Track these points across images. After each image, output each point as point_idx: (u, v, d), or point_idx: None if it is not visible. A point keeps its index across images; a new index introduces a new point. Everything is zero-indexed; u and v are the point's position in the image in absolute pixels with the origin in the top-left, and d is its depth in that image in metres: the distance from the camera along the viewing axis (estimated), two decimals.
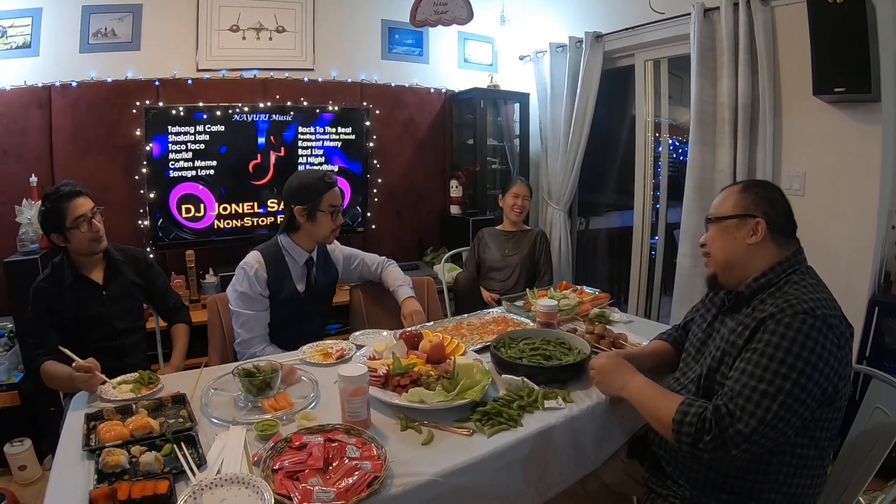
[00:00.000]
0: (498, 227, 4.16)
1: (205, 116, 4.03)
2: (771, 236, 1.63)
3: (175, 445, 1.52)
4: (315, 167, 2.80)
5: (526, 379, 1.87)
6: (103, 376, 1.98)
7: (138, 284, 2.70)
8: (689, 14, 3.55)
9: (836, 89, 2.85)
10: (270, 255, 2.61)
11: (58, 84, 3.89)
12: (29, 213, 3.46)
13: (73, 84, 3.93)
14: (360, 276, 3.03)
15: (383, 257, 3.06)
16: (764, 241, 1.63)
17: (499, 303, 3.15)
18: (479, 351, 2.21)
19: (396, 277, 2.97)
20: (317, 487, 1.31)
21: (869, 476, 1.68)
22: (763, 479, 1.52)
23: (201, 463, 1.47)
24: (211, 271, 4.22)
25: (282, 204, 4.28)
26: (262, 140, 4.26)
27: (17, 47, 3.81)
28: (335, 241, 2.88)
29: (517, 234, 4.08)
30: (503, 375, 1.92)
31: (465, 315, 2.78)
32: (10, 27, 3.78)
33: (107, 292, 2.55)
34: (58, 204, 2.39)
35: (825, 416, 1.48)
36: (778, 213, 1.66)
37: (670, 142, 4.56)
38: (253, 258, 2.57)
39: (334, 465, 1.40)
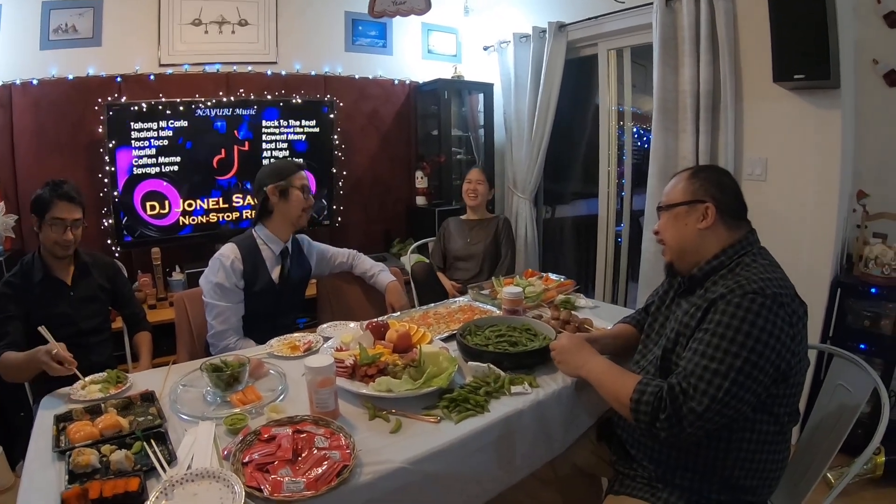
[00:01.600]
0: (462, 217, 4.20)
1: (168, 112, 4.00)
2: (721, 220, 1.67)
3: (145, 443, 1.53)
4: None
5: (492, 365, 1.90)
6: (78, 371, 1.98)
7: (105, 288, 2.72)
8: (652, 3, 3.60)
9: (795, 76, 2.90)
10: (246, 246, 2.62)
11: (18, 82, 3.84)
12: None
13: (34, 82, 3.87)
14: (331, 270, 3.05)
15: (353, 250, 3.10)
16: (714, 225, 1.67)
17: (461, 292, 3.18)
18: (445, 339, 2.24)
19: (372, 264, 3.03)
20: (286, 478, 1.33)
21: (833, 452, 1.72)
22: (724, 456, 1.56)
23: (171, 459, 1.48)
24: (177, 268, 4.18)
25: (250, 198, 4.29)
26: (225, 135, 4.25)
27: None
28: (307, 238, 2.92)
29: (481, 222, 4.10)
30: (469, 363, 1.95)
31: (432, 304, 2.80)
32: None
33: (74, 293, 2.58)
34: (49, 196, 2.45)
35: (781, 392, 1.52)
36: (726, 196, 1.70)
37: (634, 130, 4.62)
38: (229, 250, 2.58)
39: (303, 455, 1.42)
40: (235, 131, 4.27)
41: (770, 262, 1.63)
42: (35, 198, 2.48)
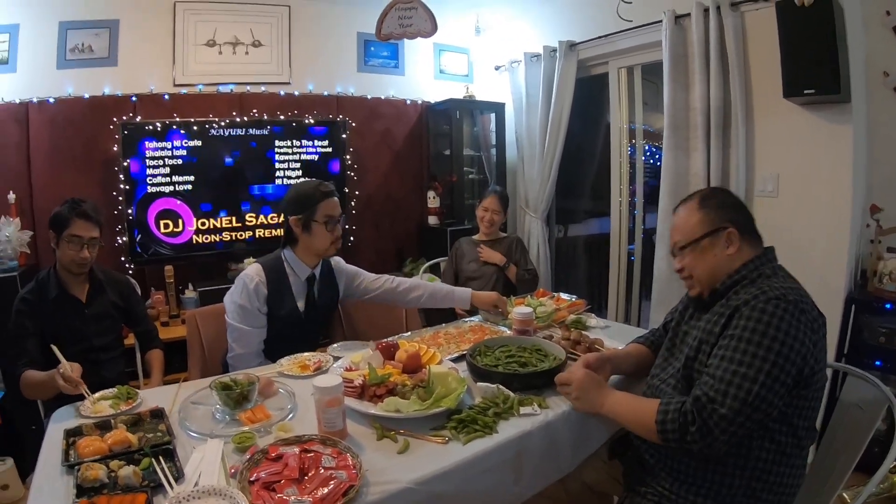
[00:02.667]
0: (475, 237, 4.14)
1: (182, 131, 4.05)
2: (743, 238, 1.69)
3: (153, 459, 1.53)
4: (307, 179, 2.75)
5: (501, 386, 1.89)
6: (86, 390, 2.00)
7: (119, 306, 2.74)
8: (661, 21, 3.62)
9: (805, 91, 2.90)
10: (272, 268, 2.55)
11: (35, 100, 3.90)
12: (7, 230, 3.45)
13: (51, 100, 3.93)
14: (361, 294, 2.91)
15: (390, 276, 2.96)
16: (740, 246, 1.68)
17: (469, 312, 3.15)
18: (455, 360, 2.23)
19: (441, 285, 3.00)
20: (293, 497, 1.32)
21: (848, 471, 1.70)
22: (743, 466, 1.55)
23: (179, 476, 1.48)
24: (190, 286, 4.20)
25: (263, 217, 4.30)
26: (238, 155, 4.28)
27: None
28: (339, 259, 2.84)
29: (493, 242, 4.04)
30: (479, 383, 1.95)
31: (443, 325, 2.79)
32: None
33: (88, 310, 2.61)
34: (68, 213, 2.49)
35: (800, 403, 1.51)
36: (741, 215, 1.72)
37: (646, 147, 4.61)
38: (254, 271, 2.51)
39: (310, 475, 1.42)
40: (248, 151, 4.31)
41: (787, 275, 1.67)
42: (54, 215, 2.52)
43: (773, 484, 1.56)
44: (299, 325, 2.63)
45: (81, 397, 1.99)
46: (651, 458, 1.75)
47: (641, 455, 1.80)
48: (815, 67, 2.82)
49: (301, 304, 2.62)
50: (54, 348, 2.13)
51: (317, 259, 2.63)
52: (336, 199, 2.58)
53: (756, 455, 1.54)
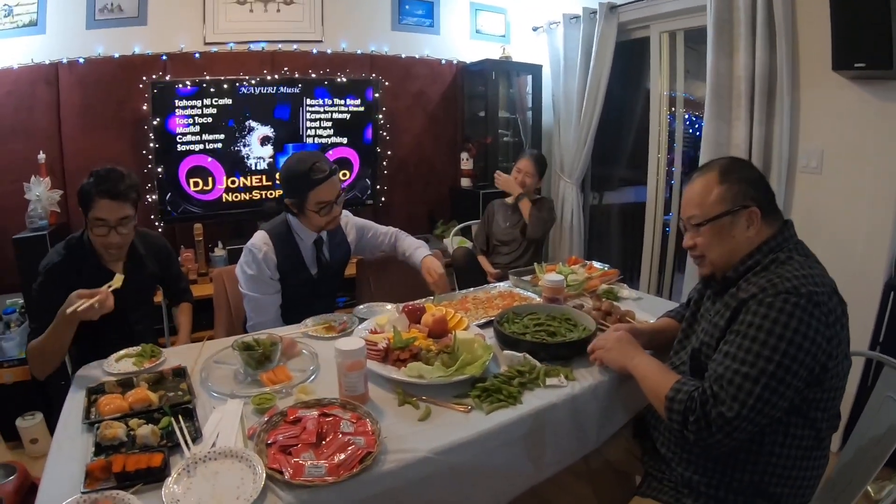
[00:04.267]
0: (507, 199, 4.08)
1: (212, 90, 4.02)
2: (764, 219, 1.56)
3: (172, 419, 1.52)
4: (309, 152, 2.60)
5: (528, 355, 1.84)
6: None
7: (156, 274, 2.59)
8: None
9: (856, 65, 2.75)
10: (278, 235, 2.52)
11: (65, 61, 3.89)
12: (37, 189, 3.48)
13: (81, 61, 3.92)
14: (372, 248, 2.93)
15: (395, 228, 2.96)
16: (761, 227, 1.56)
17: (499, 278, 3.11)
18: (482, 326, 2.18)
19: (411, 243, 2.86)
20: (309, 462, 1.31)
21: (879, 465, 1.63)
22: (756, 460, 1.49)
23: (197, 436, 1.47)
24: (220, 244, 4.23)
25: None
26: (270, 113, 4.25)
27: (24, 25, 3.81)
28: (347, 213, 2.80)
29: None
30: (505, 351, 1.90)
31: (472, 289, 2.75)
32: (16, 5, 3.78)
33: (125, 285, 2.19)
34: (92, 191, 2.17)
35: (817, 397, 1.43)
36: (762, 192, 1.59)
37: (686, 116, 4.49)
38: (260, 240, 2.48)
39: (328, 439, 1.40)
40: (280, 109, 4.27)
41: (806, 256, 1.53)
42: (79, 190, 2.21)
43: (789, 478, 1.49)
44: (313, 286, 2.63)
45: (106, 353, 1.99)
46: (663, 447, 1.70)
47: (656, 445, 1.75)
48: (867, 40, 2.67)
49: (313, 267, 2.62)
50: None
51: (318, 230, 2.59)
52: (332, 180, 2.46)
53: (769, 450, 1.47)
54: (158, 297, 2.93)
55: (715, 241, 1.60)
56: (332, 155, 4.44)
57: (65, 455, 1.44)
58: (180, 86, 3.95)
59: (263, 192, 4.33)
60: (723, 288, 1.62)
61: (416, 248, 2.82)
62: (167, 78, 4.03)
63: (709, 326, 1.59)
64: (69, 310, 1.85)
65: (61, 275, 2.18)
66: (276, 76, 4.32)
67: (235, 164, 4.22)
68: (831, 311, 1.39)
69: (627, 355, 1.73)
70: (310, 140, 4.40)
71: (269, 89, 4.20)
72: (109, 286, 1.96)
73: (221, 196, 4.20)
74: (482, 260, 4.06)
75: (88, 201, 2.17)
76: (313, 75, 4.45)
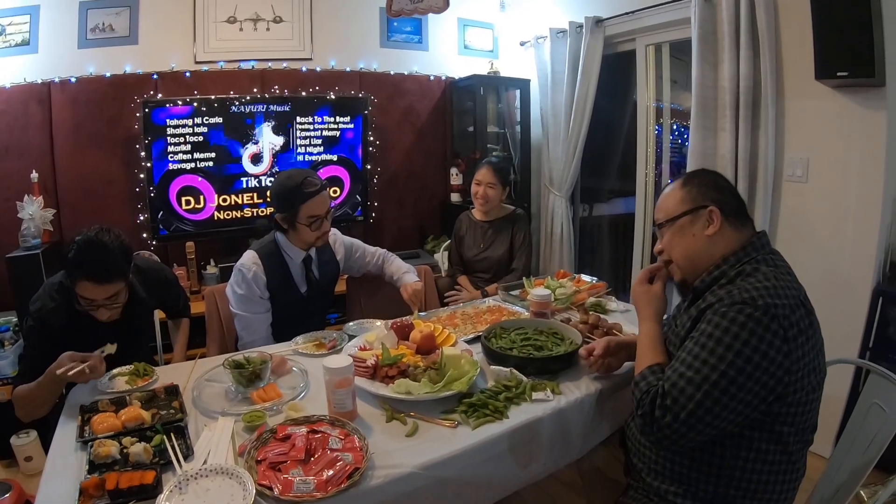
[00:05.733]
0: (476, 216, 3.76)
1: (203, 109, 4.04)
2: (726, 221, 1.59)
3: (164, 436, 1.54)
4: (300, 168, 2.60)
5: (514, 370, 1.87)
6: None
7: (154, 306, 2.58)
8: None
9: (839, 74, 2.78)
10: (268, 254, 2.55)
11: (57, 80, 3.91)
12: (31, 208, 3.50)
13: (72, 80, 3.94)
14: (360, 268, 2.96)
15: (384, 249, 3.00)
16: (722, 228, 1.58)
17: (484, 295, 3.10)
18: (470, 341, 2.21)
19: (399, 266, 2.90)
20: (297, 478, 1.33)
21: (866, 471, 1.64)
22: (718, 473, 1.49)
23: (189, 454, 1.50)
24: (212, 262, 4.25)
25: None
26: (260, 131, 4.27)
27: (16, 45, 3.83)
28: (336, 231, 2.83)
29: (494, 223, 3.68)
30: (492, 366, 1.93)
31: (460, 304, 2.77)
32: (8, 25, 3.80)
33: (124, 328, 2.23)
34: (72, 272, 1.99)
35: (781, 411, 1.41)
36: (726, 196, 1.62)
37: (674, 127, 4.52)
38: (249, 259, 2.51)
39: (316, 456, 1.42)
40: (270, 128, 4.30)
41: (776, 267, 1.53)
42: (63, 260, 2.03)
43: (756, 492, 1.48)
44: (303, 305, 2.66)
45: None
46: (635, 457, 1.71)
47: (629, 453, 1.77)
48: (849, 49, 2.71)
49: (302, 286, 2.65)
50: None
51: (308, 246, 2.63)
52: (322, 194, 2.51)
53: (732, 464, 1.47)
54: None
55: (676, 240, 1.65)
56: (322, 173, 4.46)
57: (59, 473, 1.46)
58: (171, 105, 3.97)
59: (255, 210, 4.35)
60: (693, 300, 1.64)
61: (403, 273, 2.85)
62: (158, 97, 4.06)
63: (672, 336, 1.63)
64: (59, 371, 1.80)
65: (54, 321, 2.06)
66: (267, 94, 4.36)
67: (226, 183, 4.23)
68: (793, 324, 1.37)
69: (641, 314, 1.77)
70: (300, 158, 4.42)
71: (260, 107, 4.22)
72: (102, 352, 1.97)
73: (213, 214, 4.22)
74: (463, 281, 3.74)
75: (71, 278, 2.00)
76: (303, 93, 4.49)
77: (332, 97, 4.51)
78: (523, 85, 5.25)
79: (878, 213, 2.90)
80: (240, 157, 4.25)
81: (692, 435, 1.38)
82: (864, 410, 1.81)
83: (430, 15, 4.61)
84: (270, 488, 1.31)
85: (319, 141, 4.48)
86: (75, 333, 2.03)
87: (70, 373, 1.81)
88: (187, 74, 4.23)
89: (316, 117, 4.44)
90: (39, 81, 3.87)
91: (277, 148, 4.36)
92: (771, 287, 1.41)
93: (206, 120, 4.05)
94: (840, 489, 1.72)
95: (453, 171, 5.21)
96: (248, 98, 4.20)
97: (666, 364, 1.53)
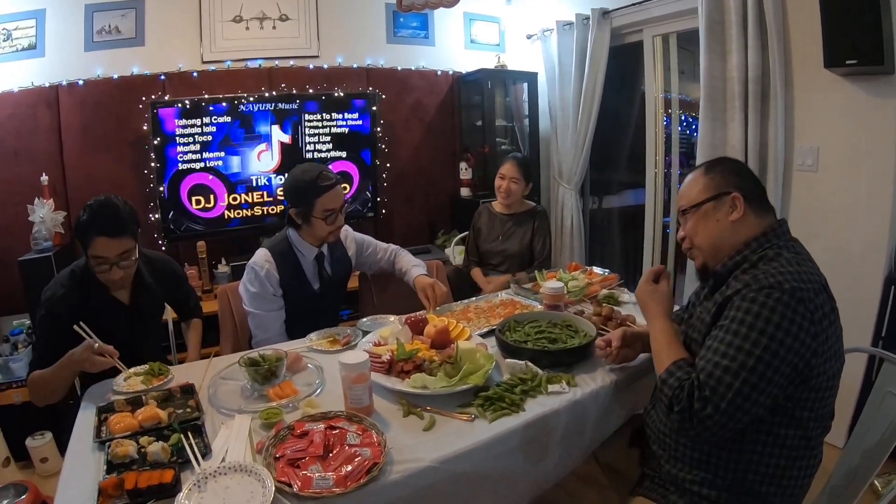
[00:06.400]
0: (495, 209, 3.84)
1: (211, 108, 4.06)
2: (749, 207, 1.60)
3: (181, 435, 1.54)
4: (314, 162, 2.61)
5: (529, 363, 1.87)
6: (120, 363, 1.99)
7: (163, 298, 2.58)
8: None
9: (847, 62, 2.76)
10: (280, 251, 2.55)
11: (65, 83, 3.94)
12: (41, 211, 3.53)
13: (80, 83, 3.97)
14: (371, 264, 2.95)
15: (395, 245, 2.99)
16: (745, 215, 1.59)
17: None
18: (484, 335, 2.21)
19: (409, 260, 2.88)
20: (316, 474, 1.33)
21: (882, 460, 1.63)
22: (738, 459, 1.49)
23: (206, 452, 1.50)
24: (223, 261, 4.27)
25: None
26: (268, 129, 4.29)
27: (23, 49, 3.86)
28: (347, 228, 2.82)
29: (515, 216, 3.75)
30: (507, 360, 1.93)
31: (473, 298, 2.77)
32: (14, 29, 3.83)
33: (133, 313, 2.33)
34: (87, 228, 2.07)
35: (803, 396, 1.42)
36: (748, 182, 1.64)
37: (682, 118, 4.50)
38: (262, 257, 2.51)
39: (334, 452, 1.42)
40: (278, 126, 4.31)
41: (797, 253, 1.54)
42: (76, 224, 2.13)
43: (774, 477, 1.48)
44: (316, 302, 2.65)
45: (115, 372, 1.99)
46: (655, 444, 1.71)
47: (648, 442, 1.77)
48: (857, 36, 2.68)
49: (315, 283, 2.64)
50: (79, 327, 1.98)
51: (320, 243, 2.63)
52: (337, 188, 2.52)
53: (751, 448, 1.47)
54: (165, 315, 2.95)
55: (700, 226, 1.66)
56: (332, 169, 4.43)
57: (77, 473, 1.46)
58: (179, 105, 3.98)
59: (265, 209, 4.37)
60: (714, 286, 1.65)
61: (412, 266, 2.83)
62: (166, 98, 4.07)
63: (697, 323, 1.62)
64: (81, 360, 1.90)
65: (64, 308, 2.11)
66: (274, 93, 4.36)
67: (236, 181, 4.25)
68: (818, 307, 1.39)
69: (650, 312, 1.77)
70: (309, 155, 4.43)
71: (268, 106, 4.24)
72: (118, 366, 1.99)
73: (223, 213, 4.24)
74: (476, 273, 3.79)
75: (85, 239, 2.08)
76: (311, 90, 4.50)
77: (340, 94, 4.51)
78: (531, 78, 5.23)
79: (890, 200, 2.87)
80: (249, 156, 4.26)
81: (732, 424, 1.38)
82: (879, 399, 1.80)
83: (437, 10, 4.61)
84: (290, 484, 1.31)
85: (328, 138, 4.50)
86: (86, 319, 2.05)
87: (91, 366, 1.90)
88: (194, 75, 4.25)
89: (324, 114, 4.45)
90: (47, 85, 3.90)
91: (286, 145, 4.37)
92: (795, 272, 1.42)
93: (215, 119, 4.07)
94: (855, 478, 1.71)
95: (462, 165, 5.20)
96: (255, 97, 4.22)
97: (688, 359, 1.53)
